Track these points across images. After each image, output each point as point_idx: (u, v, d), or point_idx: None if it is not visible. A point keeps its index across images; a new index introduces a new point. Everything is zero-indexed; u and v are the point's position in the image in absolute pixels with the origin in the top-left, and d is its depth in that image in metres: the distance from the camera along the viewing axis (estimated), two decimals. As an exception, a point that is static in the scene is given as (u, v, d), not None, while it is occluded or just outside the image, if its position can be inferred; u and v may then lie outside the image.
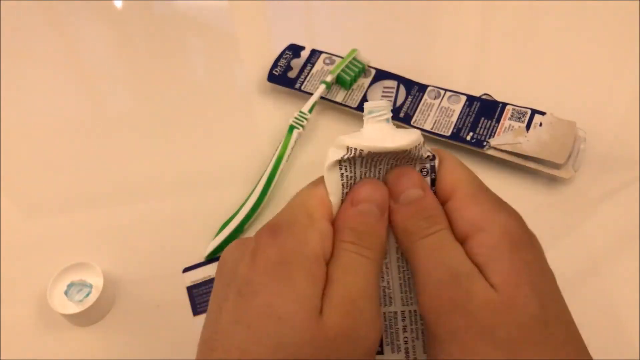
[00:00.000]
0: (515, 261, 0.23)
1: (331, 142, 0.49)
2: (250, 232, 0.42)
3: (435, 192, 0.25)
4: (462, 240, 0.24)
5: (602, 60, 0.52)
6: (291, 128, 0.45)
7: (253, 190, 0.42)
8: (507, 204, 0.25)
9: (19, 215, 0.44)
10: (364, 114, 0.25)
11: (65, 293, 0.37)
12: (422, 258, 0.24)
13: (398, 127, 0.26)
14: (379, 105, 0.24)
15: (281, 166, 0.43)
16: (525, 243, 0.24)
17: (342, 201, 0.25)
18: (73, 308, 0.37)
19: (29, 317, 0.38)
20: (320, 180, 0.26)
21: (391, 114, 0.25)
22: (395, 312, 0.25)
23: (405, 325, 0.25)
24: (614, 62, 0.52)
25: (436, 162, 0.25)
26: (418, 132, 0.24)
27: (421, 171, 0.25)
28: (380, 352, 0.26)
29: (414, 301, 0.25)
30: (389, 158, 0.25)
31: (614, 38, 0.54)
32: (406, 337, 0.26)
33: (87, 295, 0.37)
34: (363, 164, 0.25)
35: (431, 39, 0.57)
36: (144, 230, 0.43)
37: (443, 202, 0.25)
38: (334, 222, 0.25)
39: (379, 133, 0.24)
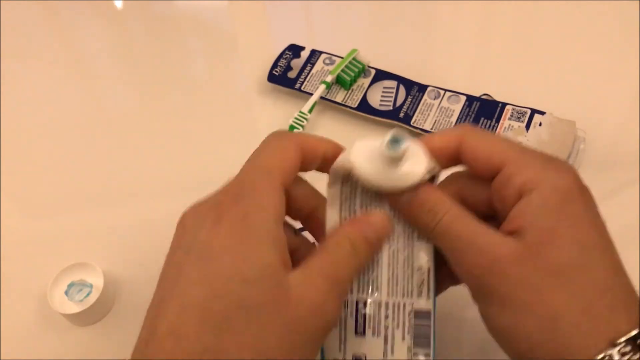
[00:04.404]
0: (561, 217, 0.24)
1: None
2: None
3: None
4: (514, 203, 0.25)
5: (602, 60, 0.52)
6: (291, 128, 0.45)
7: (253, 190, 0.42)
8: (557, 159, 0.26)
9: (19, 215, 0.44)
10: (385, 140, 0.25)
11: (66, 293, 0.37)
12: (444, 243, 0.26)
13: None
14: (397, 156, 0.25)
15: (281, 166, 0.43)
16: (574, 197, 0.25)
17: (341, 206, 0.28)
18: (73, 308, 0.37)
19: (29, 317, 0.38)
20: (275, 139, 0.27)
21: (409, 146, 0.25)
22: (380, 301, 0.27)
23: (388, 315, 0.27)
24: (614, 62, 0.52)
25: (439, 172, 0.27)
26: (424, 163, 0.26)
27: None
28: (362, 335, 0.27)
29: (398, 294, 0.27)
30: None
31: (614, 38, 0.54)
32: (387, 325, 0.27)
33: (87, 295, 0.37)
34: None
35: (431, 39, 0.57)
36: (144, 230, 0.43)
37: (495, 173, 0.26)
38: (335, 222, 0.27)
39: (385, 169, 0.26)
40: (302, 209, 0.29)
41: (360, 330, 0.27)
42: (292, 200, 0.27)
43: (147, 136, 0.49)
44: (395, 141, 0.25)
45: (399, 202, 0.27)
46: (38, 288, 0.39)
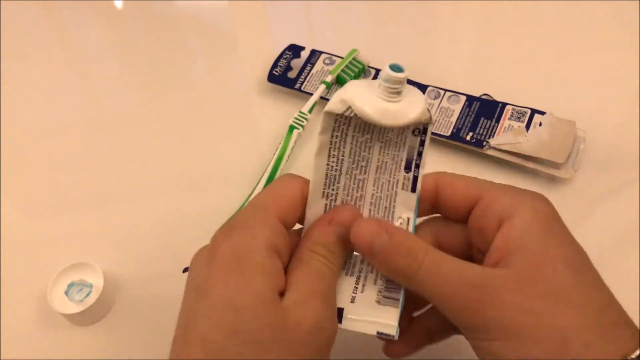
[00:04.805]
0: (548, 236, 0.25)
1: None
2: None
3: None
4: (495, 230, 0.25)
5: (602, 60, 0.52)
6: (291, 128, 0.45)
7: (253, 190, 0.42)
8: (528, 189, 0.27)
9: (19, 215, 0.44)
10: (380, 76, 0.24)
11: (66, 293, 0.37)
12: (426, 286, 0.25)
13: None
14: (398, 77, 0.24)
15: (281, 166, 0.43)
16: (554, 218, 0.26)
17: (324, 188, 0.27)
18: (73, 308, 0.37)
19: (29, 317, 0.38)
20: (279, 180, 0.28)
21: (405, 84, 0.25)
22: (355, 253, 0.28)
23: (363, 260, 0.28)
24: (614, 62, 0.52)
25: (430, 126, 0.26)
26: (422, 102, 0.25)
27: (414, 131, 0.26)
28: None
29: None
30: (382, 130, 0.26)
31: (614, 38, 0.54)
32: (362, 268, 0.28)
33: (87, 295, 0.37)
34: (355, 131, 0.26)
35: (431, 39, 0.57)
36: (144, 230, 0.43)
37: (472, 206, 0.27)
38: (303, 221, 0.28)
39: (384, 103, 0.25)
40: None
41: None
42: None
43: (147, 136, 0.49)
44: (396, 68, 0.24)
45: (372, 249, 0.26)
46: (38, 288, 0.39)
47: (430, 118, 0.26)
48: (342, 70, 0.48)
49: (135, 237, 0.42)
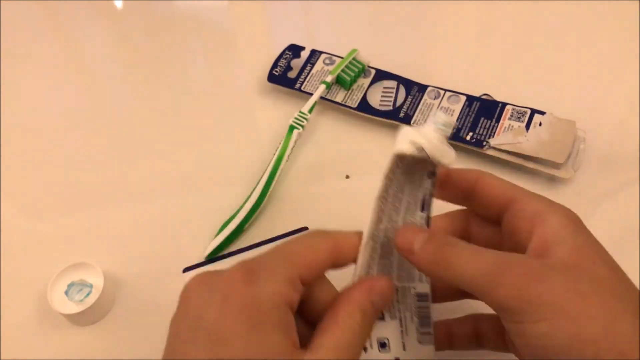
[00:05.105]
0: (583, 236, 0.26)
1: (331, 142, 0.48)
2: (250, 232, 0.42)
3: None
4: (530, 231, 0.27)
5: (602, 60, 0.52)
6: (291, 128, 0.45)
7: (253, 190, 0.42)
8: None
9: (19, 215, 0.44)
10: (435, 122, 0.27)
11: (66, 293, 0.37)
12: (467, 273, 0.26)
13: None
14: (449, 121, 0.27)
15: (281, 166, 0.43)
16: (583, 225, 0.27)
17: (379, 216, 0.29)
18: (73, 308, 0.37)
19: (29, 317, 0.38)
20: (311, 235, 0.28)
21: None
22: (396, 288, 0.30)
23: (398, 299, 0.29)
24: (613, 62, 0.52)
25: (439, 169, 0.28)
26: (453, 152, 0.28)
27: (428, 173, 0.29)
28: (382, 319, 0.30)
29: (404, 279, 0.29)
30: (414, 173, 0.28)
31: (614, 38, 0.54)
32: (399, 308, 0.30)
33: (87, 295, 0.37)
34: (405, 171, 0.28)
35: (431, 39, 0.57)
36: (144, 230, 0.43)
37: (505, 209, 0.28)
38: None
39: (440, 147, 0.27)
40: (316, 309, 0.28)
41: (381, 316, 0.29)
42: (311, 298, 0.27)
43: (147, 136, 0.49)
44: (447, 115, 0.28)
45: (412, 248, 0.27)
46: (38, 288, 0.39)
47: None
48: (342, 70, 0.48)
49: (136, 237, 0.42)
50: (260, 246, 0.40)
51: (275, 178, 0.43)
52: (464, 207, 0.32)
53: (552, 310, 0.23)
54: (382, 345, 0.29)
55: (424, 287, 0.30)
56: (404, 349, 0.30)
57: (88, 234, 0.43)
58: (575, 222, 0.27)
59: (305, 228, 0.41)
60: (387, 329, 0.29)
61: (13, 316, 0.39)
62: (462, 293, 0.31)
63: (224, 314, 0.23)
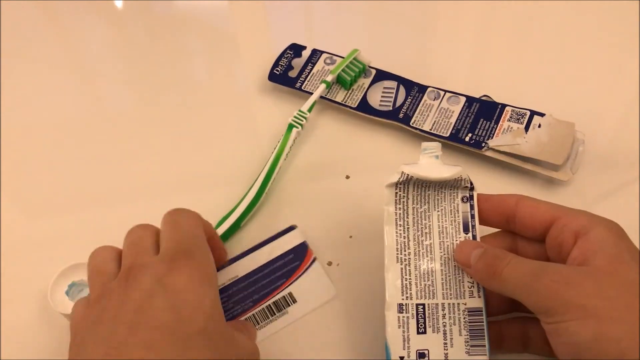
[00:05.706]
0: (623, 246, 0.28)
1: (330, 142, 0.48)
2: (247, 229, 0.42)
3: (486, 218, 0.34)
4: (573, 243, 0.29)
5: (602, 61, 0.52)
6: (290, 127, 0.45)
7: (250, 188, 0.42)
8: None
9: (20, 214, 0.44)
10: (421, 150, 0.33)
11: (67, 293, 0.37)
12: (511, 281, 0.29)
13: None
14: (431, 145, 0.33)
15: (279, 164, 0.43)
16: (626, 235, 0.29)
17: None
18: (74, 308, 0.37)
19: (29, 317, 0.39)
20: (185, 212, 0.34)
21: (441, 152, 0.33)
22: (437, 304, 0.32)
23: (445, 314, 0.32)
24: (613, 63, 0.52)
25: (475, 192, 0.34)
26: (459, 167, 0.33)
27: (462, 199, 0.34)
28: (424, 333, 0.32)
29: (452, 296, 0.32)
30: (435, 185, 0.33)
31: (613, 38, 0.54)
32: (445, 322, 0.32)
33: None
34: (414, 188, 0.33)
35: (431, 39, 0.57)
36: (144, 231, 0.43)
37: (549, 227, 0.31)
38: None
39: (428, 166, 0.32)
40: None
41: (421, 330, 0.32)
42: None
43: (147, 136, 0.49)
44: (426, 148, 0.33)
45: (469, 261, 0.31)
46: (39, 288, 0.39)
47: (470, 182, 0.33)
48: (343, 70, 0.48)
49: (136, 237, 0.42)
50: (251, 253, 0.40)
51: (273, 176, 0.43)
52: None
53: (581, 311, 0.26)
54: (421, 355, 0.31)
55: (477, 302, 0.32)
56: (446, 358, 0.31)
57: (89, 234, 0.43)
58: (617, 233, 0.29)
59: (294, 227, 0.41)
60: (428, 342, 0.31)
61: (14, 316, 0.39)
62: (512, 305, 0.33)
63: (177, 275, 0.29)
